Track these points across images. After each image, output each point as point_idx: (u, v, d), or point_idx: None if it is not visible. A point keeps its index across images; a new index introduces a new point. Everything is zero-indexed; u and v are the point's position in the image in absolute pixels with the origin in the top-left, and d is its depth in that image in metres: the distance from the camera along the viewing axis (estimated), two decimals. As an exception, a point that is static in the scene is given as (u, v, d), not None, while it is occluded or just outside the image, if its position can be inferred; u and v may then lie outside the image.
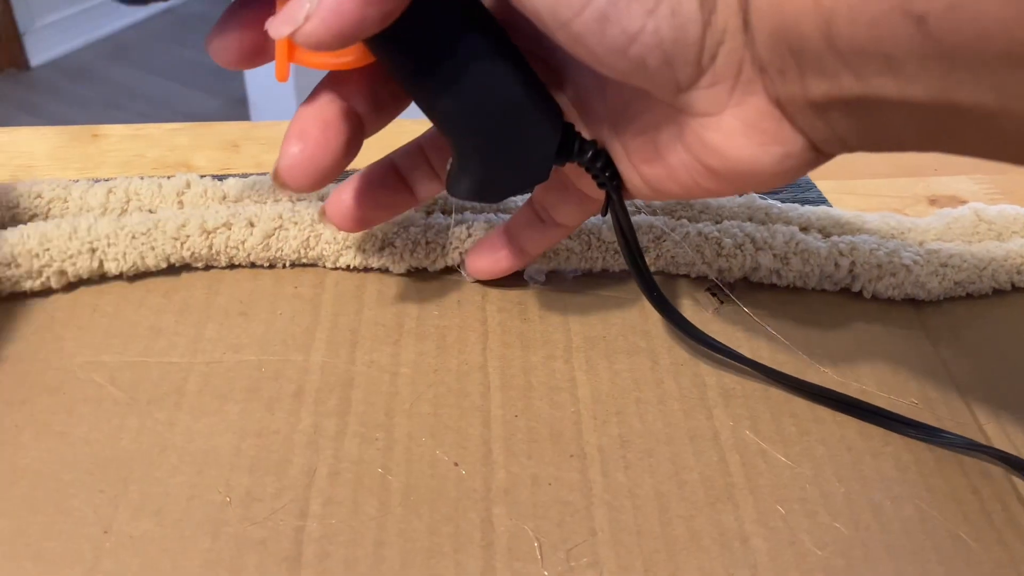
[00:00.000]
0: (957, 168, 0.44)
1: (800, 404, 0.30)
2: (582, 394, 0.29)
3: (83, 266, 0.32)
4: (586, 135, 0.26)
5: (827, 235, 0.35)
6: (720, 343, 0.30)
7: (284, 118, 0.38)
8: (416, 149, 0.29)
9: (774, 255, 0.33)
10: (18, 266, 0.31)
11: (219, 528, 0.25)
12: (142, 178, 0.35)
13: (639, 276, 0.29)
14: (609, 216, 0.28)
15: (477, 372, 0.30)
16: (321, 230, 0.33)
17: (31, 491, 0.25)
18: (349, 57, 0.23)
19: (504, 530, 0.25)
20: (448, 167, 0.26)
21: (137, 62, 2.12)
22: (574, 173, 0.28)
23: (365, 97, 0.26)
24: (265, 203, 0.34)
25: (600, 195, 0.28)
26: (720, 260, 0.33)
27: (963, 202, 0.40)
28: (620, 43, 0.20)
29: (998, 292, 0.35)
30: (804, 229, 0.35)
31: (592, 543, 0.25)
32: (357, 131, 0.25)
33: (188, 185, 0.35)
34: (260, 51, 0.24)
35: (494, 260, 0.32)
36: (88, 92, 2.01)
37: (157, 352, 0.30)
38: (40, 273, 0.31)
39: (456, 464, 0.27)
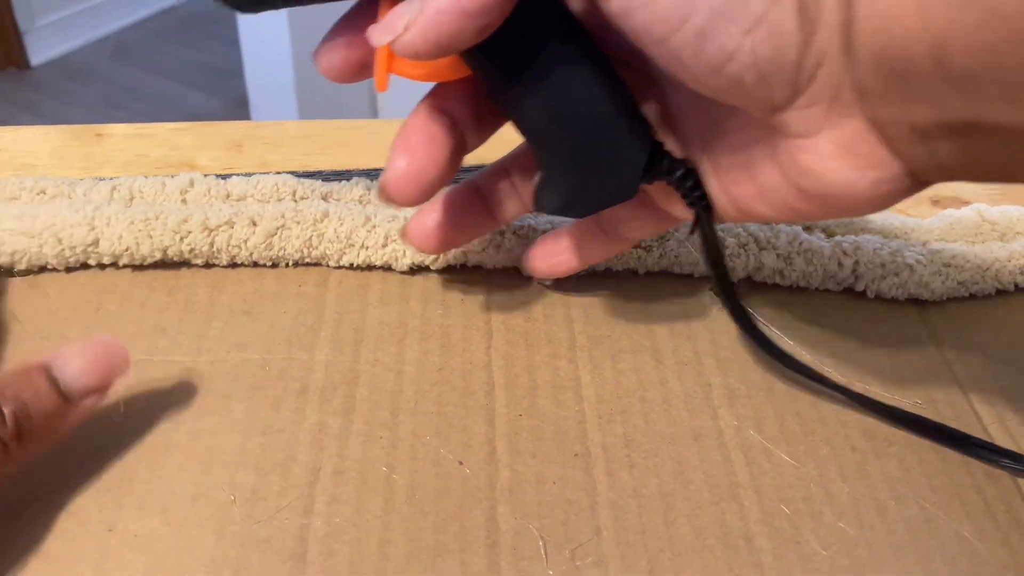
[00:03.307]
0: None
1: (804, 403, 0.30)
2: (586, 393, 0.29)
3: (78, 237, 0.32)
4: (675, 151, 0.26)
5: (830, 235, 0.35)
6: (809, 367, 0.30)
7: (285, 118, 0.38)
8: (500, 170, 0.29)
9: (778, 255, 0.33)
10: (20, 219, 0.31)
11: (224, 526, 0.25)
12: (146, 176, 0.35)
13: (727, 299, 0.29)
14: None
15: (481, 371, 0.30)
16: (323, 229, 0.33)
17: (35, 489, 0.25)
18: (446, 69, 0.24)
19: (509, 529, 0.25)
20: (535, 182, 0.26)
21: (137, 62, 2.12)
22: (659, 192, 0.27)
23: (467, 112, 0.26)
24: (268, 202, 0.34)
25: (682, 215, 0.27)
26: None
27: (966, 203, 0.40)
28: (717, 61, 0.20)
29: (1001, 292, 0.35)
30: (808, 229, 0.35)
31: (597, 542, 0.25)
32: (460, 146, 0.26)
33: (192, 184, 0.35)
34: (366, 65, 0.24)
35: (551, 264, 0.31)
36: (88, 92, 2.01)
37: (161, 350, 0.30)
38: (39, 234, 0.32)
39: (461, 463, 0.27)
